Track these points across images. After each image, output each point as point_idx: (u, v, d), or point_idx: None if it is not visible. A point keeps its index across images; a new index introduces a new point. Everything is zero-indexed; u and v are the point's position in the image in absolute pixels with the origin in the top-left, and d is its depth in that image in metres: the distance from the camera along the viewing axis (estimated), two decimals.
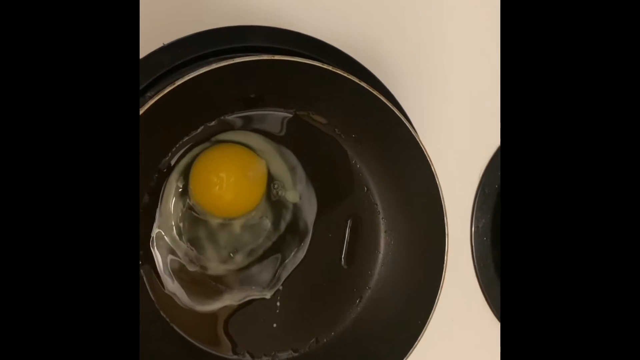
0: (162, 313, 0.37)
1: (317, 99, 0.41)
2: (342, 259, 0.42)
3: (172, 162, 0.39)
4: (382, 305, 0.42)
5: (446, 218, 0.38)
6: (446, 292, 0.38)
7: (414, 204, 0.41)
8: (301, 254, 0.41)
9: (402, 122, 0.38)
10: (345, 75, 0.37)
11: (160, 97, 0.33)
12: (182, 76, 0.40)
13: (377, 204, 0.43)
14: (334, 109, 0.41)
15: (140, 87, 0.39)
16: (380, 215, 0.43)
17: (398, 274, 0.42)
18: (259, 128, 0.41)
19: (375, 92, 0.38)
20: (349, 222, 0.42)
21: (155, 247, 0.38)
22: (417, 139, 0.38)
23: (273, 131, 0.41)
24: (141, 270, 0.37)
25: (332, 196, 0.42)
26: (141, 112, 0.33)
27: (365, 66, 0.46)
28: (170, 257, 0.38)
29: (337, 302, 0.42)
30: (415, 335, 0.37)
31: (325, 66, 0.37)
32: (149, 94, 0.39)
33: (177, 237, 0.38)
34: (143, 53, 0.40)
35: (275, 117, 0.41)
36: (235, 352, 0.39)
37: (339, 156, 0.42)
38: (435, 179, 0.38)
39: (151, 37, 0.40)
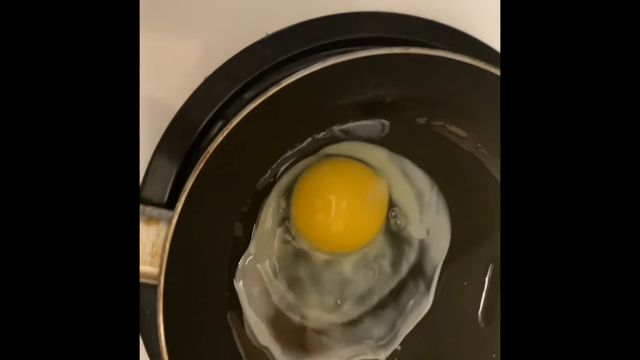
0: None
1: (456, 105, 0.32)
2: (479, 316, 0.33)
3: (272, 181, 0.31)
4: None
5: None
6: None
7: None
8: (426, 306, 0.33)
9: None
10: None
11: (262, 101, 0.26)
12: (289, 73, 0.32)
13: None
14: (478, 118, 0.32)
15: (239, 86, 0.33)
16: None
17: None
18: (378, 140, 0.33)
19: None
20: (490, 267, 0.33)
21: (245, 287, 0.31)
22: None
23: (396, 144, 0.33)
24: (228, 317, 0.30)
25: (469, 232, 0.33)
26: (237, 119, 0.26)
27: None
28: (263, 301, 0.31)
29: None
30: None
31: (475, 62, 0.28)
32: (247, 95, 0.33)
33: (272, 276, 0.31)
34: (244, 44, 0.33)
35: (401, 127, 0.33)
36: None
37: (481, 180, 0.33)
38: None
39: (253, 26, 0.33)
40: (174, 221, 0.26)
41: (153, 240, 0.26)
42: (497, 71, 0.29)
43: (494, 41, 0.35)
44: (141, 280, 0.27)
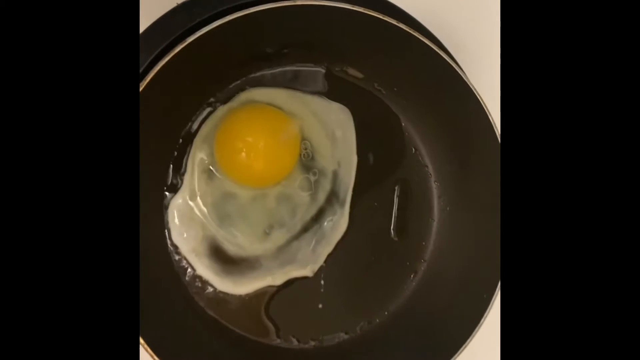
0: (197, 300, 0.34)
1: (351, 50, 0.36)
2: (392, 230, 0.38)
3: (194, 130, 0.35)
4: (441, 279, 0.37)
5: None
6: None
7: (470, 163, 0.36)
8: (343, 226, 0.37)
9: (455, 70, 0.33)
10: (385, 19, 0.32)
11: (170, 59, 0.30)
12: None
13: (427, 166, 0.38)
14: (372, 60, 0.36)
15: (155, 53, 0.35)
16: (432, 179, 0.38)
17: (457, 244, 0.37)
18: (288, 85, 0.36)
19: (420, 36, 0.32)
20: (396, 188, 0.38)
21: (180, 225, 0.35)
22: (473, 89, 0.33)
23: (305, 89, 0.37)
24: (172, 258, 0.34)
25: (375, 159, 0.37)
26: (150, 76, 0.29)
27: (405, 10, 0.40)
28: (201, 238, 0.35)
29: (388, 278, 0.37)
30: (481, 312, 0.32)
31: (357, 9, 0.32)
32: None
33: (206, 214, 0.35)
34: (156, 16, 0.36)
35: (306, 73, 0.37)
36: (279, 337, 0.36)
37: (381, 114, 0.38)
38: (495, 132, 0.33)
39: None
40: None
41: None
42: (383, 16, 0.32)
43: None
44: None
